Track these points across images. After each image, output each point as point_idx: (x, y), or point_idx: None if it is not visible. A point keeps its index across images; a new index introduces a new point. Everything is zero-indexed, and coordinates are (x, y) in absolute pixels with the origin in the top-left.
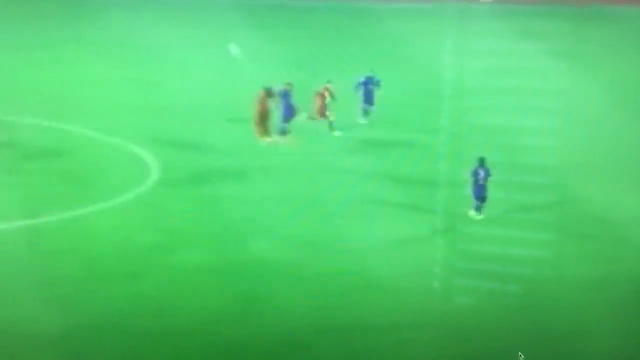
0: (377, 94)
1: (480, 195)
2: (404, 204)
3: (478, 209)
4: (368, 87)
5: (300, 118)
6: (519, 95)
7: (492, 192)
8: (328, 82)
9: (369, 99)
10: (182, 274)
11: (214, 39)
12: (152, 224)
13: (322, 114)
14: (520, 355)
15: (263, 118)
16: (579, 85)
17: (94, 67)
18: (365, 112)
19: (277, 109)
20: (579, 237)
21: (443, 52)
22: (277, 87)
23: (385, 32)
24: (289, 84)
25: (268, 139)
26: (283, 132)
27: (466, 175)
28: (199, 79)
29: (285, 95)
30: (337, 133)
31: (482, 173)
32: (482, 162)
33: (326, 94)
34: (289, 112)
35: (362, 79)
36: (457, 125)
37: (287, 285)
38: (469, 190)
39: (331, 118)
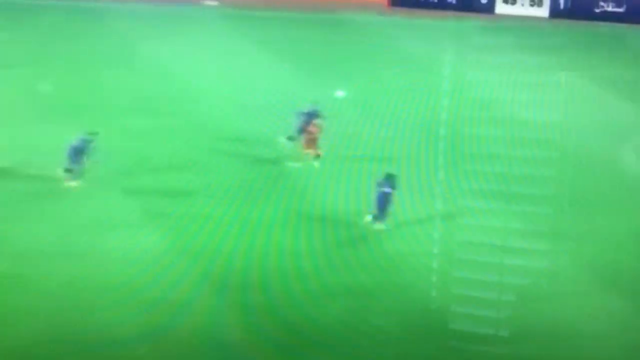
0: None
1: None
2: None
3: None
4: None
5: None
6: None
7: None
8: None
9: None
10: None
11: None
12: None
13: (315, 145)
14: None
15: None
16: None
17: None
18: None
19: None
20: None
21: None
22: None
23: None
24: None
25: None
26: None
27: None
28: None
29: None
30: (317, 164)
31: (386, 186)
32: (389, 178)
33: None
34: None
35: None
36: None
37: (24, 300)
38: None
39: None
